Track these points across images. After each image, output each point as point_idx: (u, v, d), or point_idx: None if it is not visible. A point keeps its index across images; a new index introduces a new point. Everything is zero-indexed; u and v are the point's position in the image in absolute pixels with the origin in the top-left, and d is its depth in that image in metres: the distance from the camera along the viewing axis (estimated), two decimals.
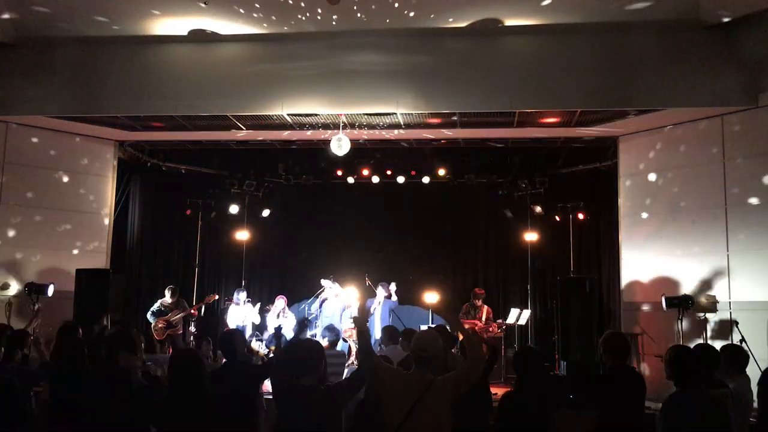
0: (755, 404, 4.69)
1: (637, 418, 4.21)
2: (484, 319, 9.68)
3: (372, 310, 9.62)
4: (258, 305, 10.06)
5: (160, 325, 9.14)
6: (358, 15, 7.31)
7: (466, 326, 8.35)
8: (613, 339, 4.44)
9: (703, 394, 3.79)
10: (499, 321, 10.00)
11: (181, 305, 9.42)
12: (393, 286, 10.18)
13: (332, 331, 6.54)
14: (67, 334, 5.06)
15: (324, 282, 10.03)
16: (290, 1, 7.09)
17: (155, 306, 9.31)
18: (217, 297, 9.97)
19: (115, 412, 3.77)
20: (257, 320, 9.95)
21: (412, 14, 7.30)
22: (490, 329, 9.62)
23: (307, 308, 10.28)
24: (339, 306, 9.89)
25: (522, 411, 4.02)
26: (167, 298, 9.35)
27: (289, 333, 9.65)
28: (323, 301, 9.97)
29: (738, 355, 4.81)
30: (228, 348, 4.65)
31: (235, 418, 4.12)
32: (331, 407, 3.64)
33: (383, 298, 9.82)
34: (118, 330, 4.98)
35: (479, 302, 9.85)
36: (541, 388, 4.16)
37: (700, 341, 7.37)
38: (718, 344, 6.50)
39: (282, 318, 9.82)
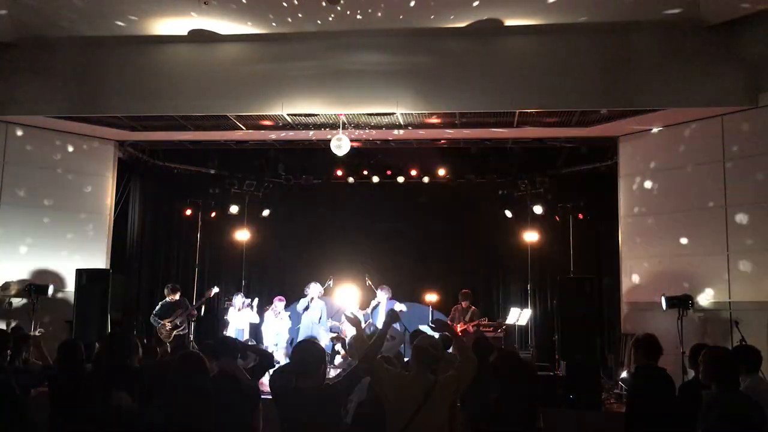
0: None
1: (667, 418, 4.24)
2: (467, 319, 9.61)
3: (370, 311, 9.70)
4: (255, 301, 10.02)
5: (167, 327, 9.07)
6: (358, 15, 7.31)
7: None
8: (648, 340, 4.64)
9: (744, 395, 3.80)
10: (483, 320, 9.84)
11: (183, 304, 9.35)
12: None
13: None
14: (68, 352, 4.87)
15: (313, 285, 9.99)
16: (290, 1, 7.09)
17: (157, 308, 9.25)
18: (217, 290, 9.88)
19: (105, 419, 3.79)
20: (256, 320, 9.94)
21: (412, 14, 7.30)
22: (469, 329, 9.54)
23: (295, 305, 10.24)
24: (320, 307, 9.88)
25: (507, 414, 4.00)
26: (168, 297, 9.27)
27: (283, 335, 9.74)
28: (312, 300, 9.95)
29: (751, 356, 4.78)
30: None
31: (233, 418, 4.12)
32: (331, 407, 3.65)
33: (386, 299, 9.82)
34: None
35: (465, 303, 9.83)
36: (523, 392, 4.14)
37: (701, 341, 7.36)
38: (718, 345, 6.52)
39: (279, 319, 9.82)
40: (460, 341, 4.05)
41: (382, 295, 9.79)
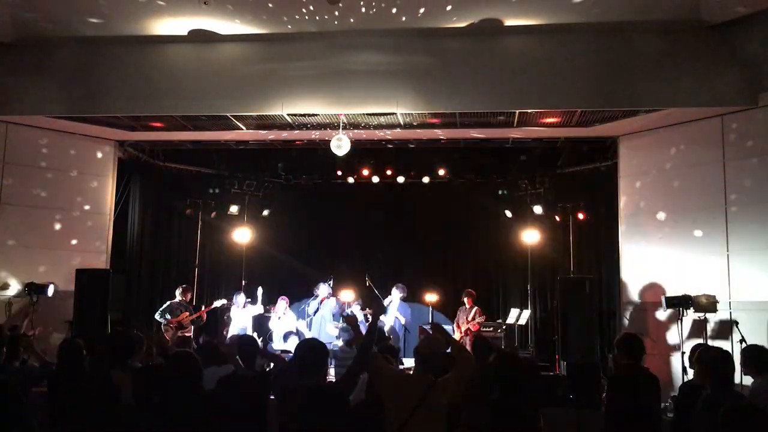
0: None
1: (651, 418, 4.23)
2: (470, 318, 9.61)
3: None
4: (260, 291, 10.02)
5: (172, 326, 9.07)
6: (358, 15, 7.31)
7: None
8: (628, 339, 4.59)
9: (739, 395, 3.79)
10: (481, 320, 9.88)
11: (189, 307, 9.36)
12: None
13: (349, 331, 6.56)
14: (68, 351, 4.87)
15: (322, 286, 10.02)
16: (290, 1, 7.09)
17: (165, 306, 9.26)
18: (225, 302, 9.93)
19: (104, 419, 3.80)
20: (260, 310, 9.94)
21: (412, 14, 7.30)
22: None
23: (306, 307, 10.26)
24: (332, 307, 9.91)
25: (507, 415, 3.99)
26: (178, 298, 9.31)
27: (285, 331, 9.74)
28: (322, 300, 9.97)
29: (762, 355, 4.74)
30: (244, 354, 4.60)
31: (238, 421, 4.11)
32: (332, 405, 3.65)
33: (398, 298, 9.84)
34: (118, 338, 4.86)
35: (469, 302, 9.84)
36: (523, 392, 4.13)
37: (701, 341, 7.37)
38: (718, 344, 6.53)
39: (281, 319, 9.81)
40: (456, 343, 4.07)
41: (396, 294, 9.83)
